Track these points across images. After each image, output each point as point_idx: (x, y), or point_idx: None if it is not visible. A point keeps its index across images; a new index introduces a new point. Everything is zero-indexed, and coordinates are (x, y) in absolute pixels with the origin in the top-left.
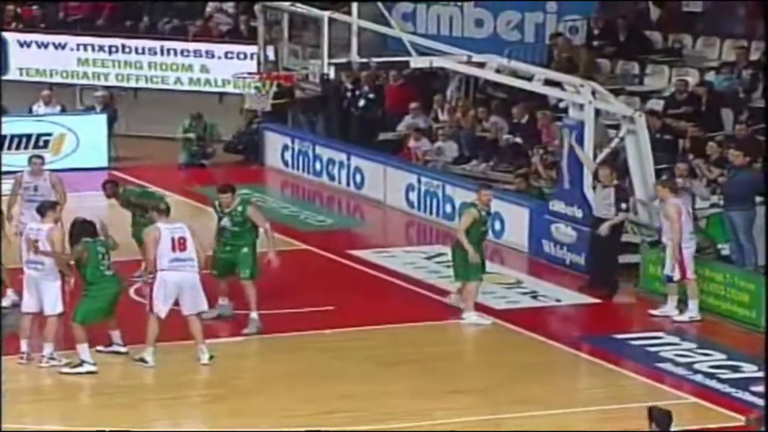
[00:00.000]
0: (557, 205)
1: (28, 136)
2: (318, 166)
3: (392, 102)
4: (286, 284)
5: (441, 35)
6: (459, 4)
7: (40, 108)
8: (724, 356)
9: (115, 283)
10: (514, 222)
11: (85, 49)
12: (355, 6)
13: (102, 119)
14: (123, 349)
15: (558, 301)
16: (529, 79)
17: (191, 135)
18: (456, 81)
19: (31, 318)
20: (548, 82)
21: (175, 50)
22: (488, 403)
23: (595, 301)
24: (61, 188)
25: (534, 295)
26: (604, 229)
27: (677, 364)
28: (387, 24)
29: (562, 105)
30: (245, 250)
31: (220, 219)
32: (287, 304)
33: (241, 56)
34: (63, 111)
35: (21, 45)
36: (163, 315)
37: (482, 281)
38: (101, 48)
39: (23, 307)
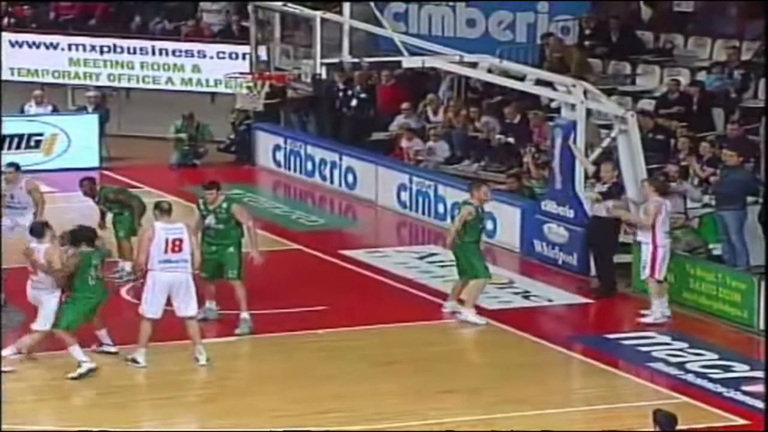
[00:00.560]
0: (549, 205)
1: (20, 137)
2: (310, 166)
3: (384, 102)
4: (278, 284)
5: (433, 35)
6: (451, 4)
7: (31, 108)
8: (715, 356)
9: (101, 293)
10: (506, 222)
11: (77, 49)
12: (346, 6)
13: (94, 119)
14: (113, 349)
15: (550, 301)
16: (521, 79)
17: (183, 135)
18: (448, 81)
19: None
20: (540, 82)
21: (167, 50)
22: (480, 403)
23: (587, 301)
24: (38, 195)
25: (526, 295)
26: (609, 207)
27: (669, 363)
28: (379, 24)
29: (554, 105)
30: (231, 249)
31: (204, 217)
32: (279, 304)
33: (233, 56)
34: (55, 111)
35: (12, 45)
36: (148, 315)
37: (491, 279)
38: (93, 48)
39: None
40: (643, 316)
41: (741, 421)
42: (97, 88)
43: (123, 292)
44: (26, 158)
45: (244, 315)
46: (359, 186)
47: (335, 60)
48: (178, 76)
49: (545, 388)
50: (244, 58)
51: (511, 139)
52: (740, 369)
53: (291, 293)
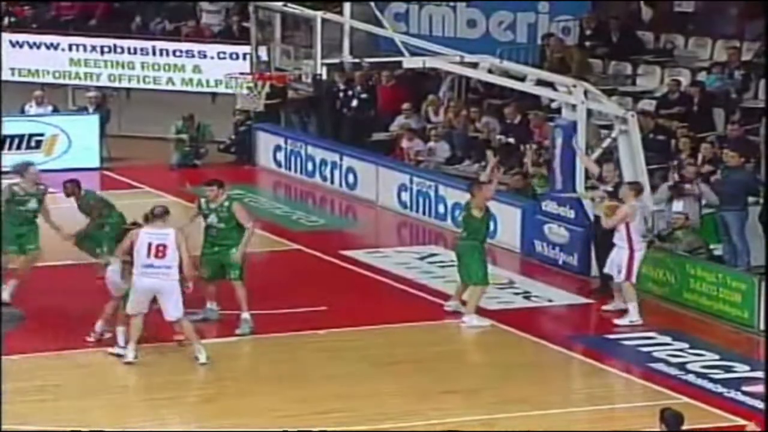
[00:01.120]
0: (550, 206)
1: (20, 137)
2: (310, 166)
3: (385, 102)
4: (278, 285)
5: (433, 35)
6: (451, 4)
7: (32, 108)
8: (716, 356)
9: None
10: (507, 222)
11: (78, 50)
12: (347, 6)
13: (94, 120)
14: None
15: (550, 301)
16: (522, 79)
17: (184, 136)
18: (448, 81)
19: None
20: (541, 83)
21: (167, 50)
22: (481, 404)
23: (587, 302)
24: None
25: (527, 296)
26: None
27: (670, 364)
28: (379, 24)
29: (554, 105)
30: (234, 251)
31: (206, 216)
32: (280, 305)
33: (234, 56)
34: (55, 111)
35: (13, 45)
36: (131, 312)
37: (488, 286)
38: (93, 48)
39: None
40: (619, 316)
41: (741, 422)
42: (98, 88)
43: None
44: (26, 159)
45: (245, 315)
46: (360, 186)
47: (336, 60)
48: (179, 77)
49: (546, 389)
50: (244, 58)
51: (511, 140)
52: (741, 369)
53: (291, 293)
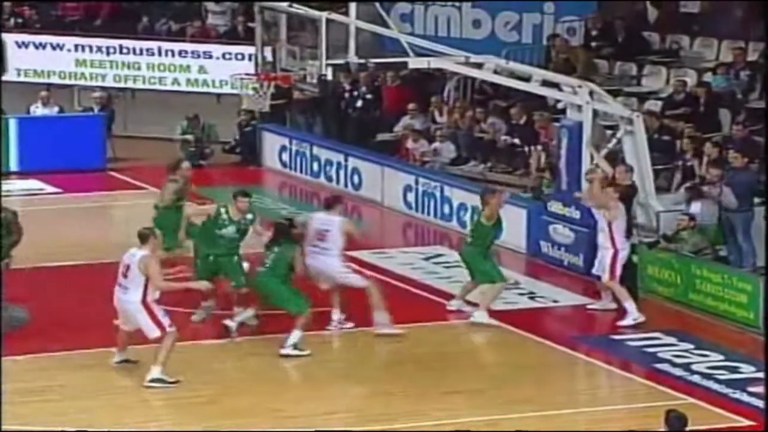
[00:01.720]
0: (555, 206)
1: None
2: (316, 166)
3: (390, 103)
4: None
5: (439, 36)
6: (457, 4)
7: (37, 109)
8: (721, 357)
9: None
10: (512, 223)
11: (83, 50)
12: (352, 6)
13: (100, 120)
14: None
15: (555, 302)
16: (527, 80)
17: (189, 136)
18: (454, 82)
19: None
20: (546, 83)
21: (172, 51)
22: (486, 404)
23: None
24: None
25: (532, 296)
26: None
27: (675, 364)
28: (385, 25)
29: (560, 106)
30: (235, 258)
31: (221, 227)
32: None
33: (239, 57)
34: (61, 112)
35: (19, 46)
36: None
37: (506, 282)
38: (99, 49)
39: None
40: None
41: (747, 422)
42: (104, 89)
43: None
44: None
45: (233, 321)
46: (365, 187)
47: (341, 61)
48: (184, 77)
49: (551, 389)
50: (249, 59)
51: (517, 141)
52: (746, 370)
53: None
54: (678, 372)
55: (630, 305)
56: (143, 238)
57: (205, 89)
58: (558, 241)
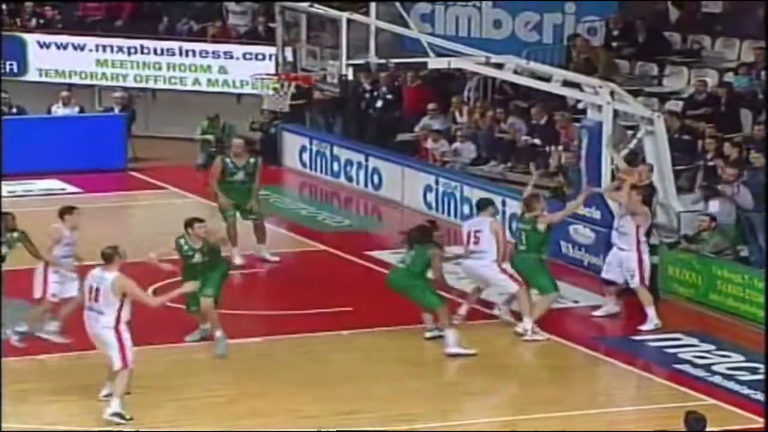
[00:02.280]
0: None
1: None
2: (336, 167)
3: (410, 103)
4: (303, 285)
5: (459, 36)
6: (477, 4)
7: (59, 109)
8: (742, 358)
9: None
10: None
11: (104, 51)
12: (373, 7)
13: (120, 120)
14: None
15: (576, 302)
16: (548, 80)
17: (209, 136)
18: (474, 82)
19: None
20: (567, 83)
21: (193, 51)
22: (505, 405)
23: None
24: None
25: None
26: None
27: (696, 365)
28: (405, 25)
29: (580, 106)
30: (216, 275)
31: (189, 257)
32: (305, 305)
33: (260, 57)
34: (82, 112)
35: (40, 46)
36: None
37: (559, 293)
38: (120, 49)
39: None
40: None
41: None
42: (124, 89)
43: None
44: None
45: (218, 333)
46: (385, 187)
47: (361, 61)
48: (205, 77)
49: (571, 390)
50: (270, 59)
51: (537, 141)
52: None
53: (316, 294)
54: (699, 373)
55: (651, 311)
56: (108, 258)
57: (225, 89)
58: (578, 241)
